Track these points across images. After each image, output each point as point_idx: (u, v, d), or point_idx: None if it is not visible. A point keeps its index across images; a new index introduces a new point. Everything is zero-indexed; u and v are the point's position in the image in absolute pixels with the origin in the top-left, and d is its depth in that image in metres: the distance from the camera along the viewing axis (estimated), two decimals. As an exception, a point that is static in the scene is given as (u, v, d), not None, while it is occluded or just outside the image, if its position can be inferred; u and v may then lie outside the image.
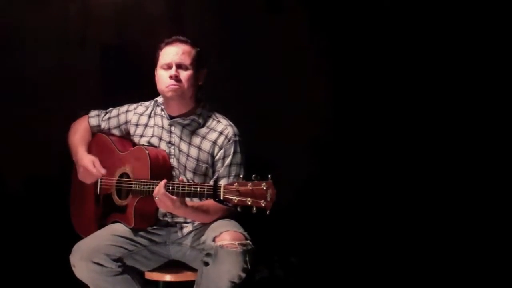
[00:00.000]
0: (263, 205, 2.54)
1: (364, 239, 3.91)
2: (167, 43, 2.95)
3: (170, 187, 2.71)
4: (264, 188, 2.54)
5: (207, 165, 2.93)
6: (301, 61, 3.88)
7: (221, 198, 2.59)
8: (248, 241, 2.74)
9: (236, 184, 2.57)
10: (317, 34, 3.92)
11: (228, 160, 2.91)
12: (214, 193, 2.61)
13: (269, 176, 2.56)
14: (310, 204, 3.91)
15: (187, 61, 2.91)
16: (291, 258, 3.95)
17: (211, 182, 2.81)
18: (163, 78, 2.91)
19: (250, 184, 2.56)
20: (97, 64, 3.85)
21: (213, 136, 2.93)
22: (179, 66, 2.90)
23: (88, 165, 2.95)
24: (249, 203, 2.55)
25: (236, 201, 2.56)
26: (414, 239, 3.87)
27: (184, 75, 2.90)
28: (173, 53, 2.92)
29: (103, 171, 2.94)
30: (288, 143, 3.84)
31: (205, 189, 2.66)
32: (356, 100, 3.95)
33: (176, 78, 2.88)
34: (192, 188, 2.69)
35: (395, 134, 3.89)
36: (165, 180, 2.72)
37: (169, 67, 2.90)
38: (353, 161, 3.94)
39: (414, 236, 3.87)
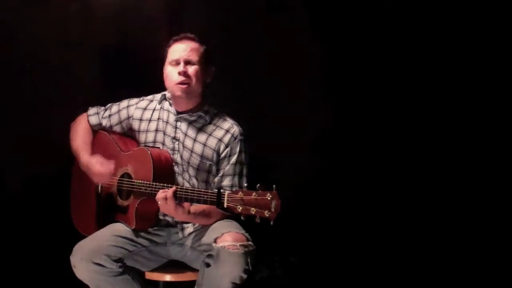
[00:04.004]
0: (267, 215, 2.54)
1: (364, 239, 3.91)
2: (176, 40, 2.97)
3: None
4: (269, 198, 2.54)
5: (211, 162, 2.94)
6: (301, 61, 3.88)
7: (225, 206, 2.60)
8: (250, 242, 2.75)
9: (240, 193, 2.57)
10: (317, 34, 3.91)
11: (233, 158, 2.93)
12: (218, 201, 2.61)
13: (274, 186, 2.55)
14: (310, 204, 3.91)
15: (195, 57, 2.93)
16: (291, 258, 3.95)
17: (215, 189, 2.79)
18: (172, 75, 2.92)
19: (254, 193, 2.56)
20: (97, 64, 3.84)
21: (219, 133, 2.95)
22: (187, 63, 2.92)
23: (98, 168, 2.95)
24: (253, 213, 2.55)
25: (239, 210, 2.56)
26: (414, 239, 3.87)
27: (192, 70, 2.92)
28: (181, 50, 2.94)
29: (111, 166, 2.94)
30: (288, 143, 3.83)
31: (209, 196, 2.66)
32: (356, 100, 3.95)
33: (185, 74, 2.89)
34: (196, 194, 2.69)
35: (396, 135, 3.89)
36: (174, 188, 2.72)
37: (177, 63, 2.92)
38: (353, 161, 3.94)
39: (414, 236, 3.87)
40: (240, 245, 2.70)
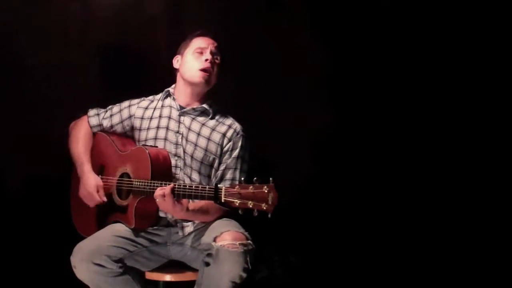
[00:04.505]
0: (264, 208, 2.53)
1: (363, 239, 3.91)
2: (202, 34, 3.06)
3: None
4: (266, 191, 2.53)
5: (214, 156, 2.98)
6: (301, 61, 3.88)
7: (222, 201, 2.59)
8: (249, 241, 2.75)
9: (237, 187, 2.57)
10: (317, 34, 3.92)
11: (236, 153, 2.98)
12: (215, 196, 2.61)
13: (271, 179, 2.55)
14: (310, 204, 3.91)
15: (218, 53, 3.03)
16: (291, 258, 3.95)
17: (213, 183, 2.81)
18: (194, 62, 2.99)
19: (251, 187, 2.55)
20: (97, 64, 3.84)
21: (222, 128, 3.01)
22: (213, 54, 3.01)
23: (93, 191, 2.95)
24: (251, 206, 2.54)
25: (237, 204, 2.56)
26: (414, 239, 3.87)
27: (215, 64, 3.01)
28: (209, 42, 3.04)
29: (104, 199, 2.95)
30: (288, 143, 3.84)
31: (206, 192, 2.66)
32: (356, 100, 3.95)
33: (211, 62, 2.98)
34: (193, 190, 2.70)
35: (395, 134, 3.89)
36: (172, 185, 2.72)
37: (202, 52, 2.99)
38: (353, 161, 3.94)
39: (414, 236, 3.87)
40: (239, 244, 2.70)
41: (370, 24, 3.91)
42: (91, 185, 2.96)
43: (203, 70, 2.98)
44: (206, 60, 2.98)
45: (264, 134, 3.66)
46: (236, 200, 2.56)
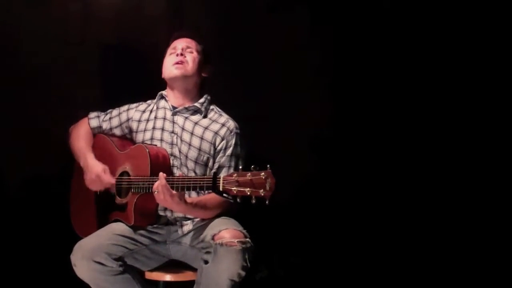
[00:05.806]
0: (262, 194, 2.53)
1: (364, 239, 3.91)
2: (176, 37, 3.11)
3: (169, 182, 2.71)
4: (263, 177, 2.53)
5: (208, 155, 2.98)
6: (301, 61, 3.89)
7: (221, 190, 2.60)
8: (247, 239, 2.74)
9: (235, 175, 2.58)
10: (317, 33, 3.92)
11: (229, 151, 2.97)
12: (213, 185, 2.61)
13: (268, 166, 2.55)
14: (310, 204, 3.91)
15: (193, 47, 3.06)
16: (291, 258, 3.95)
17: (211, 174, 2.81)
18: (169, 60, 3.04)
19: (249, 174, 2.56)
20: (97, 64, 3.85)
21: (215, 127, 3.00)
22: (185, 49, 3.04)
23: (101, 173, 2.95)
24: (248, 193, 2.54)
25: (235, 192, 2.56)
26: (414, 238, 3.86)
27: (190, 56, 3.03)
28: (180, 41, 3.07)
29: (113, 180, 2.96)
30: (288, 143, 3.84)
31: (205, 182, 2.67)
32: (356, 99, 3.95)
33: (182, 55, 3.01)
34: (192, 181, 2.70)
35: (395, 133, 3.89)
36: (164, 174, 2.72)
37: (175, 50, 3.04)
38: (353, 160, 3.94)
39: (414, 235, 3.87)
40: (237, 241, 2.70)
41: (370, 24, 3.92)
42: (98, 168, 2.96)
43: (176, 63, 3.00)
44: (177, 55, 3.01)
45: (264, 133, 3.67)
46: (234, 188, 2.56)
